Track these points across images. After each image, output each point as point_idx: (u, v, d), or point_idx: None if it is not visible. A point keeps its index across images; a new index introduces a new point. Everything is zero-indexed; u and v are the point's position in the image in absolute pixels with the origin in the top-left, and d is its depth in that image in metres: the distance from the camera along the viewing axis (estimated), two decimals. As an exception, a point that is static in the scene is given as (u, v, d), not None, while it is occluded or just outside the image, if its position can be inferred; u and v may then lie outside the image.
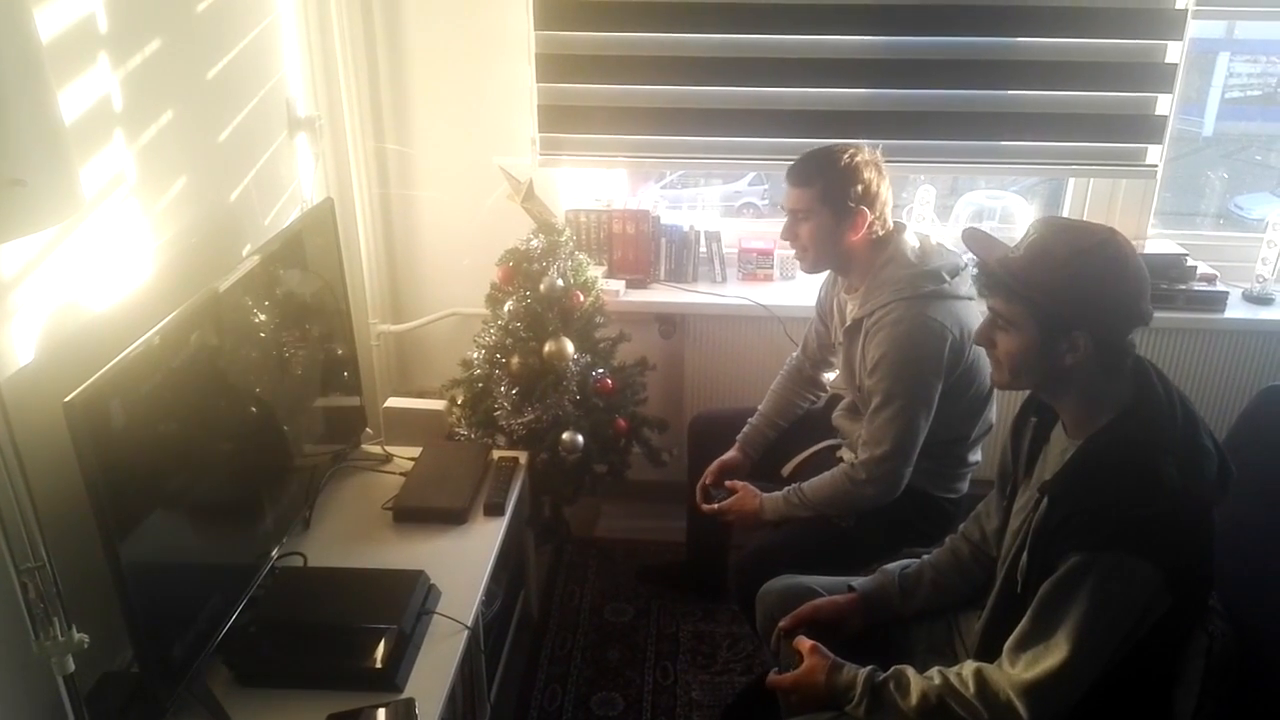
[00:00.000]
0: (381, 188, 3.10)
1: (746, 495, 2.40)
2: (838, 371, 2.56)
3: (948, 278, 2.21)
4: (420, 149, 3.05)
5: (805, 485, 2.33)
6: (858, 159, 2.20)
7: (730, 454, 2.60)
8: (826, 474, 2.32)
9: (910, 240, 2.28)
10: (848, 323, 2.33)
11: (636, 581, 3.07)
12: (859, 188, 2.19)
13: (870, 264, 2.26)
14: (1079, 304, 1.48)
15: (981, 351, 2.15)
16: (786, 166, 2.27)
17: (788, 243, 2.33)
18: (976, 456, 2.43)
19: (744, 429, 2.64)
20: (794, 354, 2.71)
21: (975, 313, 2.19)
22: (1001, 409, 2.49)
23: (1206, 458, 1.49)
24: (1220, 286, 3.03)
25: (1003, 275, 1.54)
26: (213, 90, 2.23)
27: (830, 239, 2.24)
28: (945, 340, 2.16)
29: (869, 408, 2.24)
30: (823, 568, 2.16)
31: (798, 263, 2.42)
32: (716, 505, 2.43)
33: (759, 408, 2.67)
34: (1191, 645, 1.56)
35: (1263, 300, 3.06)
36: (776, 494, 2.37)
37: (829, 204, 2.21)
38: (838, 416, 2.53)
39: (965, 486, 2.43)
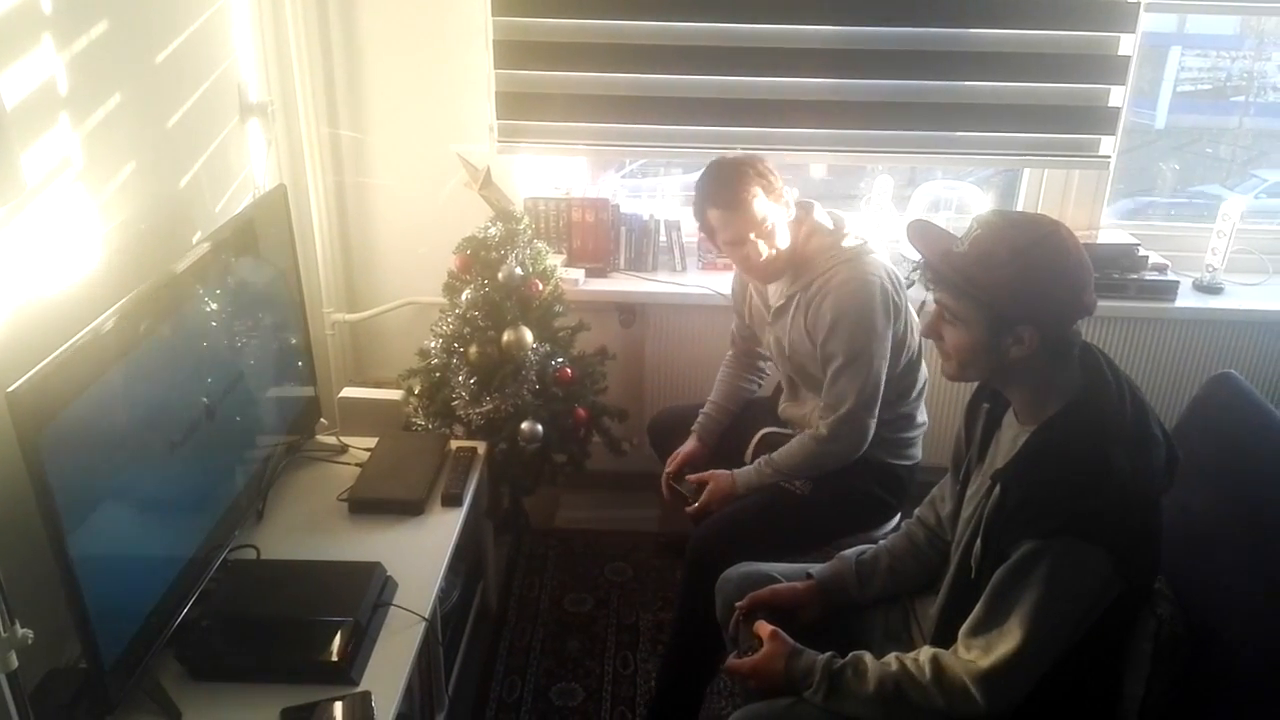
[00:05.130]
0: (336, 175, 3.06)
1: (719, 478, 2.41)
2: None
3: (864, 236, 2.30)
4: (376, 135, 3.02)
5: (775, 455, 2.36)
6: (755, 156, 2.27)
7: (689, 445, 2.61)
8: (794, 440, 2.36)
9: (820, 214, 2.34)
10: (776, 303, 2.37)
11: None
12: (774, 179, 2.24)
13: (793, 243, 2.30)
14: (1024, 299, 1.49)
15: (911, 300, 2.28)
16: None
17: (755, 262, 2.27)
18: (923, 417, 2.48)
19: (698, 419, 2.65)
20: (732, 339, 2.73)
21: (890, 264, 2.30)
22: (934, 367, 2.52)
23: (1155, 445, 1.51)
24: (1171, 276, 3.07)
25: (948, 272, 1.54)
26: (162, 74, 2.19)
27: (785, 233, 2.26)
28: (887, 289, 2.24)
29: (828, 369, 2.27)
30: (784, 538, 2.23)
31: (761, 276, 2.38)
32: (695, 505, 2.42)
33: (710, 397, 2.69)
34: (1140, 628, 1.58)
35: (1212, 289, 3.11)
36: (748, 468, 2.39)
37: (771, 202, 2.22)
38: (785, 408, 2.55)
39: (919, 453, 2.48)
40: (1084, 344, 1.57)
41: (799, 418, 2.46)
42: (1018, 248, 1.49)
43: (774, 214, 2.22)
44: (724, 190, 2.22)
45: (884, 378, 2.27)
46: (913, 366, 2.39)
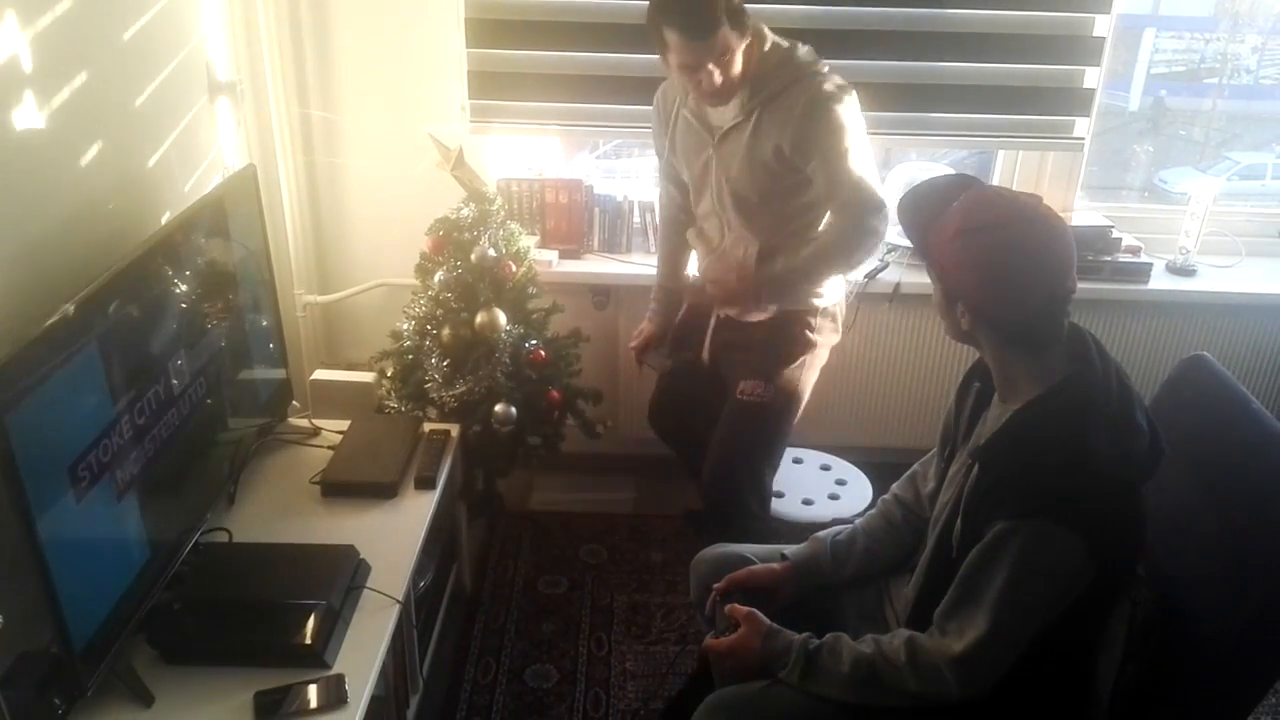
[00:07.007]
0: (307, 155, 3.02)
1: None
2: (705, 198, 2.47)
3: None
4: (346, 115, 2.98)
5: (799, 259, 2.27)
6: None
7: (648, 329, 2.66)
8: (815, 242, 2.28)
9: (769, 32, 2.25)
10: (728, 122, 2.26)
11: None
12: (743, 9, 2.12)
13: (747, 61, 2.18)
14: (956, 279, 1.52)
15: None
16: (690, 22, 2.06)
17: (707, 89, 2.15)
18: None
19: (652, 302, 2.68)
20: (659, 207, 2.68)
21: None
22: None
23: (1138, 435, 1.50)
24: (1144, 258, 3.09)
25: (916, 230, 1.60)
26: (129, 52, 2.15)
27: (740, 61, 2.15)
28: (859, 98, 2.23)
29: (829, 178, 2.18)
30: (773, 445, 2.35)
31: (711, 101, 2.25)
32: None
33: (659, 271, 2.71)
34: (1115, 612, 1.58)
35: (1185, 271, 3.13)
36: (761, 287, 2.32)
37: (738, 30, 2.10)
38: (709, 266, 2.48)
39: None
40: (1074, 327, 1.56)
41: (724, 269, 2.37)
42: (964, 229, 1.49)
43: (736, 45, 2.11)
44: (690, 15, 2.05)
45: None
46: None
